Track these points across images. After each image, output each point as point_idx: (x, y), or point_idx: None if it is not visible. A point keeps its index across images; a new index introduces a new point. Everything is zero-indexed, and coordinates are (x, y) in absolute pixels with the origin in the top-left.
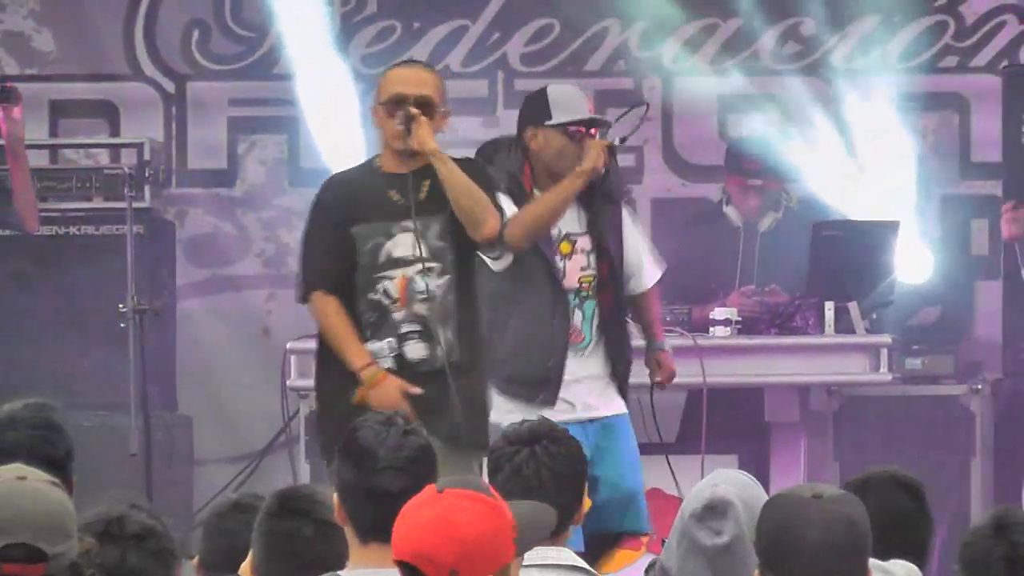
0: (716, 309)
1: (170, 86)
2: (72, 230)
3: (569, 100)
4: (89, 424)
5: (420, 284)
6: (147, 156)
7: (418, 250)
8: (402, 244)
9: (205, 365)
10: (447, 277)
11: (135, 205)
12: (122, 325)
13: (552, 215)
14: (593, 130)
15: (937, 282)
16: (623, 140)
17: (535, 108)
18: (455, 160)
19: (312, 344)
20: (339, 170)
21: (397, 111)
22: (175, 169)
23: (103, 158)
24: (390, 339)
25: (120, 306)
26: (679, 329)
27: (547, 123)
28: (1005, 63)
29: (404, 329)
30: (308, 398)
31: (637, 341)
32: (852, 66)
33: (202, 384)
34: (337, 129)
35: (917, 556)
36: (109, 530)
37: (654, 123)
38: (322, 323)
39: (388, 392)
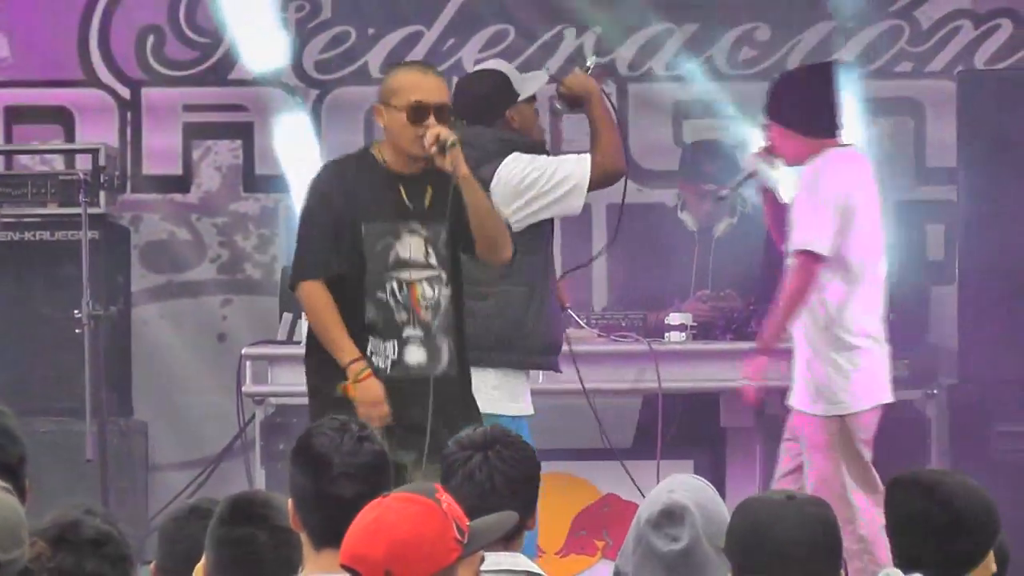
0: (671, 314)
1: (125, 92)
2: (27, 236)
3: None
4: (44, 430)
5: (428, 291)
6: (102, 162)
7: (428, 256)
8: (411, 247)
9: (161, 371)
10: (451, 287)
11: (90, 211)
12: (77, 331)
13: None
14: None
15: (892, 287)
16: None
17: (505, 92)
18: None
19: (267, 350)
20: (340, 159)
21: (422, 120)
22: (130, 175)
23: (58, 164)
24: (393, 340)
25: (75, 312)
26: (634, 334)
27: (520, 100)
28: (960, 68)
29: (407, 333)
30: (263, 403)
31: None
32: None
33: (158, 390)
34: (291, 136)
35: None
36: (65, 536)
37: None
38: (313, 313)
39: (372, 389)
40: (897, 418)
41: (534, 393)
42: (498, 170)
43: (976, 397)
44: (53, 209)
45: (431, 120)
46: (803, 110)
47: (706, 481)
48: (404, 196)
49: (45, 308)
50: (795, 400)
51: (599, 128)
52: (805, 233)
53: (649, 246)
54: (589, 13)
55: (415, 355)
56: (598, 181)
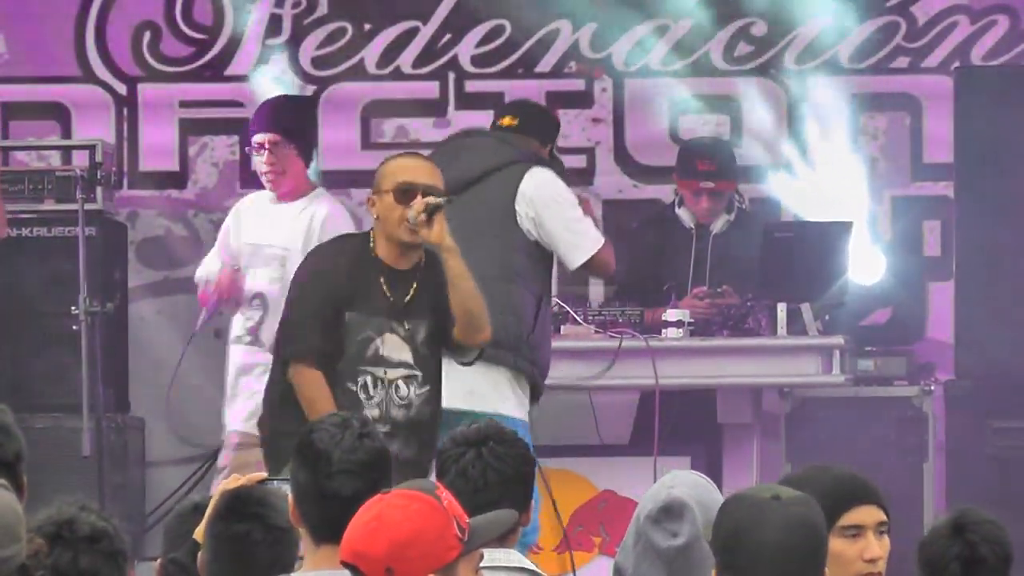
0: (668, 311)
1: (121, 88)
2: (24, 232)
3: None
4: (41, 426)
5: (403, 390)
6: (99, 158)
7: (407, 354)
8: (390, 344)
9: (157, 367)
10: (428, 388)
11: (87, 207)
12: (74, 327)
13: None
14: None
15: (889, 283)
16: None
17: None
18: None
19: None
20: (337, 243)
21: (409, 200)
22: (127, 171)
23: (55, 160)
24: None
25: (72, 308)
26: (631, 331)
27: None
28: (957, 64)
29: (379, 429)
30: None
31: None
32: (803, 67)
33: (154, 386)
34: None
35: None
36: (60, 532)
37: (605, 124)
38: (308, 392)
39: None
40: (895, 414)
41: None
42: (533, 173)
43: (973, 393)
44: (50, 205)
45: (418, 198)
46: None
47: (706, 477)
48: (388, 289)
49: (42, 304)
50: None
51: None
52: None
53: (646, 242)
54: (585, 9)
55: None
56: (593, 264)
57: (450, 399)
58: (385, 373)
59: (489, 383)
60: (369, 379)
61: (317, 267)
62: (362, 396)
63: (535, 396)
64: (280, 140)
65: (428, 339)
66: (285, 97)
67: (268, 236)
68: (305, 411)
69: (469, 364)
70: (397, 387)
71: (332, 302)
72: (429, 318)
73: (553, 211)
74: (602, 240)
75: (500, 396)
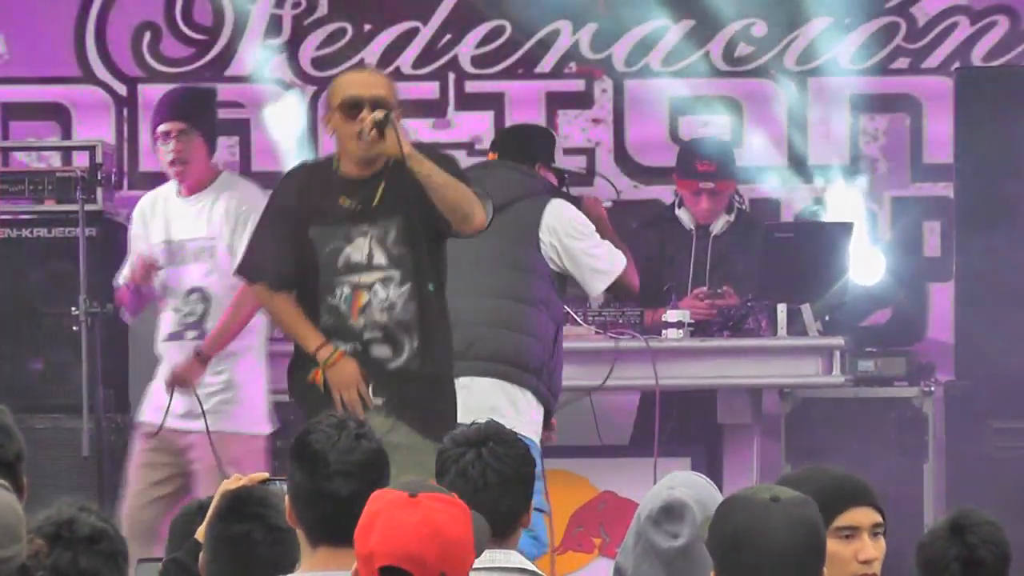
0: (668, 312)
1: (121, 89)
2: (24, 233)
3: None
4: (41, 426)
5: (381, 293)
6: (99, 159)
7: (379, 257)
8: (360, 249)
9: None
10: (408, 285)
11: (87, 208)
12: (74, 328)
13: None
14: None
15: (889, 284)
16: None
17: (548, 148)
18: (421, 149)
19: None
20: (299, 166)
21: (357, 114)
22: (127, 172)
23: (55, 161)
24: (352, 343)
25: (72, 308)
26: (631, 331)
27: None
28: (957, 64)
29: (367, 336)
30: None
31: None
32: (804, 68)
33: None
34: (287, 132)
35: None
36: (60, 533)
37: (605, 125)
38: (272, 312)
39: (345, 371)
40: (895, 414)
41: None
42: (553, 204)
43: (973, 393)
44: (50, 206)
45: (366, 112)
46: None
47: (707, 478)
48: (349, 201)
49: (42, 305)
50: None
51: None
52: None
53: (646, 243)
54: (586, 9)
55: (380, 351)
56: (616, 286)
57: (470, 416)
58: (360, 279)
59: (512, 404)
60: (347, 288)
61: (273, 192)
62: (344, 307)
63: (546, 421)
64: (186, 128)
65: (401, 237)
66: (187, 87)
67: (188, 230)
68: (278, 325)
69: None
70: (375, 291)
71: (287, 222)
72: (401, 215)
73: (575, 241)
74: (622, 262)
75: (521, 418)
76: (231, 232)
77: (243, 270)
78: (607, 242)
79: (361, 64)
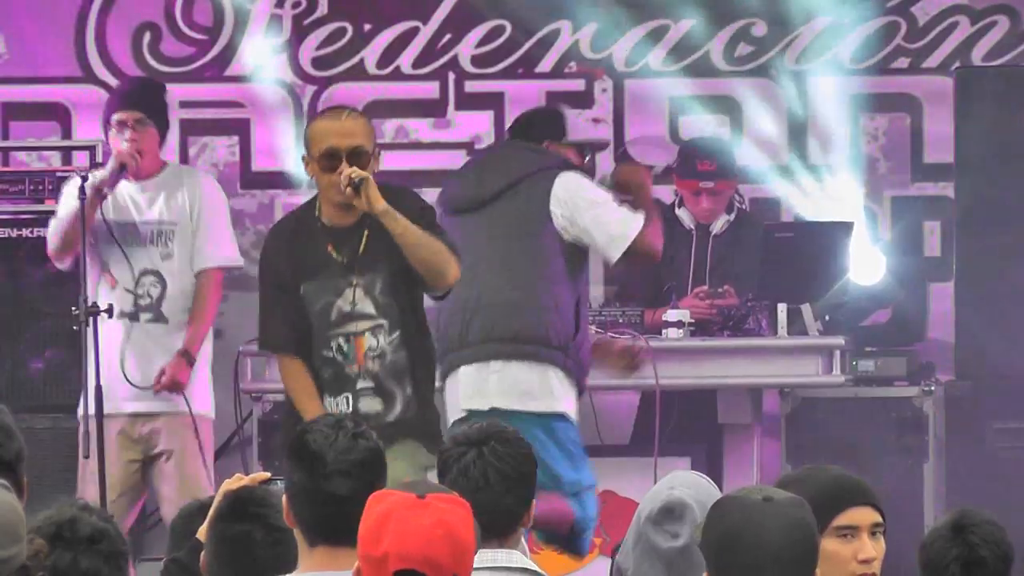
0: (669, 311)
1: None
2: (24, 232)
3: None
4: (41, 426)
5: (371, 341)
6: (99, 159)
7: (368, 306)
8: (350, 300)
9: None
10: (396, 333)
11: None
12: (74, 327)
13: None
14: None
15: (889, 284)
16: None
17: (552, 124)
18: (396, 197)
19: None
20: (283, 220)
21: (335, 166)
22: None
23: (55, 161)
24: (346, 394)
25: (72, 309)
26: (632, 331)
27: (563, 140)
28: (957, 64)
29: (360, 385)
30: (261, 400)
31: None
32: (803, 67)
33: None
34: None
35: None
36: (61, 533)
37: (605, 125)
38: (285, 383)
39: None
40: (895, 414)
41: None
42: (564, 176)
43: (973, 393)
44: (51, 206)
45: (343, 165)
46: None
47: (707, 478)
48: (335, 251)
49: (42, 305)
50: None
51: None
52: None
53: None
54: (585, 9)
55: (369, 405)
56: (634, 252)
57: (507, 400)
58: (355, 327)
59: (544, 383)
60: (341, 340)
61: (265, 253)
62: (339, 358)
63: (579, 394)
64: (142, 118)
65: (387, 287)
66: (142, 79)
67: (139, 213)
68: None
69: (440, 299)
70: (366, 340)
71: (284, 284)
72: (385, 265)
73: (584, 211)
74: (637, 226)
75: (555, 396)
76: (191, 219)
77: (268, 345)
78: (623, 208)
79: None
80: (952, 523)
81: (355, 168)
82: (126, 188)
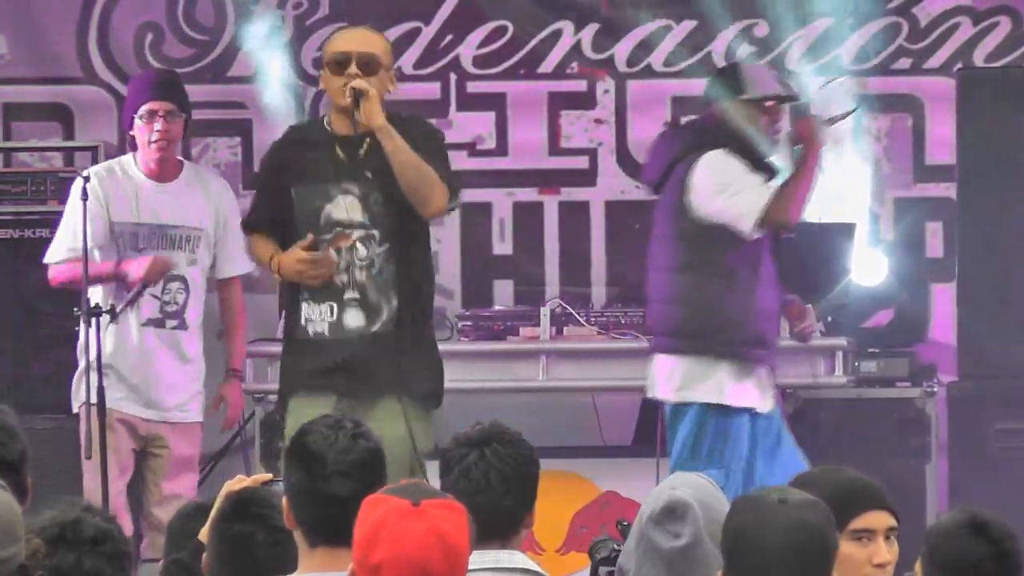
0: None
1: (124, 89)
2: (26, 233)
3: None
4: (43, 427)
5: (361, 251)
6: (101, 160)
7: (361, 215)
8: (342, 207)
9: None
10: (387, 246)
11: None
12: (76, 328)
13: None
14: None
15: (892, 285)
16: (831, 121)
17: (721, 84)
18: (404, 124)
19: (266, 348)
20: (290, 128)
21: (343, 70)
22: None
23: (57, 161)
24: (331, 303)
25: (74, 309)
26: (634, 332)
27: (741, 96)
28: (959, 65)
29: (346, 296)
30: (263, 401)
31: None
32: (806, 68)
33: None
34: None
35: None
36: (64, 534)
37: (607, 125)
38: (254, 251)
39: (287, 262)
40: (897, 415)
41: (534, 390)
42: (700, 163)
43: (975, 394)
44: (52, 207)
45: (352, 69)
46: None
47: (709, 478)
48: (338, 156)
49: (44, 305)
50: None
51: (796, 177)
52: None
53: (648, 243)
54: (587, 8)
55: (353, 318)
56: (761, 221)
57: (655, 390)
58: (345, 234)
59: (688, 374)
60: (331, 247)
61: (268, 151)
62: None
63: (750, 370)
64: (174, 109)
65: (386, 197)
66: (168, 71)
67: (168, 216)
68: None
69: (452, 208)
70: (355, 249)
71: (275, 182)
72: (385, 177)
73: (710, 200)
74: (760, 201)
75: (703, 386)
76: (217, 230)
77: (246, 225)
78: (746, 183)
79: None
80: (970, 522)
81: (360, 80)
82: (150, 188)
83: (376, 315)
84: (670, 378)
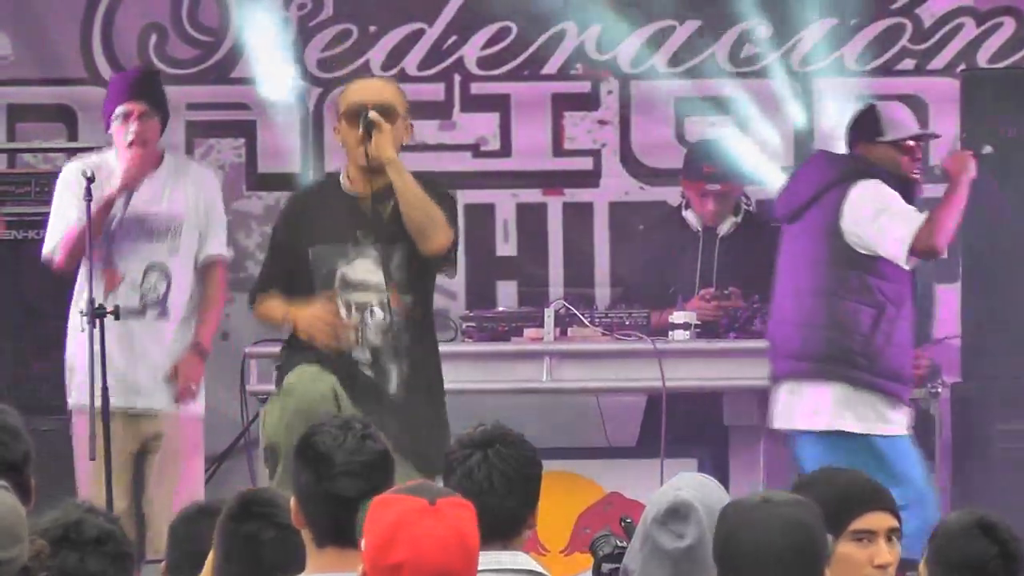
0: (675, 313)
1: None
2: (30, 234)
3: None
4: (45, 428)
5: (379, 313)
6: None
7: (379, 276)
8: (361, 268)
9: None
10: (404, 309)
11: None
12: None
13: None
14: None
15: None
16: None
17: (866, 126)
18: (419, 178)
19: (270, 349)
20: (304, 186)
21: (359, 122)
22: None
23: (61, 162)
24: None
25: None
26: (638, 333)
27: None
28: (963, 66)
29: (355, 355)
30: (267, 402)
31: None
32: (809, 69)
33: None
34: (292, 134)
35: None
36: (67, 535)
37: (611, 126)
38: (264, 313)
39: (303, 315)
40: None
41: (538, 391)
42: (854, 191)
43: (979, 395)
44: None
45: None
46: None
47: (713, 479)
48: (357, 216)
49: (47, 306)
50: None
51: (945, 207)
52: None
53: (652, 245)
54: (591, 10)
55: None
56: (911, 248)
57: (793, 420)
58: (359, 297)
59: (827, 400)
60: (343, 307)
61: (281, 214)
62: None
63: (894, 405)
64: (147, 110)
65: (406, 260)
66: (142, 69)
67: (144, 207)
68: (268, 322)
69: (450, 276)
70: (372, 311)
71: (294, 248)
72: (406, 239)
73: (865, 228)
74: (910, 229)
75: (837, 413)
76: (199, 217)
77: (253, 293)
78: (900, 210)
79: (368, 70)
80: (977, 523)
81: (375, 113)
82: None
83: (385, 380)
84: (820, 405)
